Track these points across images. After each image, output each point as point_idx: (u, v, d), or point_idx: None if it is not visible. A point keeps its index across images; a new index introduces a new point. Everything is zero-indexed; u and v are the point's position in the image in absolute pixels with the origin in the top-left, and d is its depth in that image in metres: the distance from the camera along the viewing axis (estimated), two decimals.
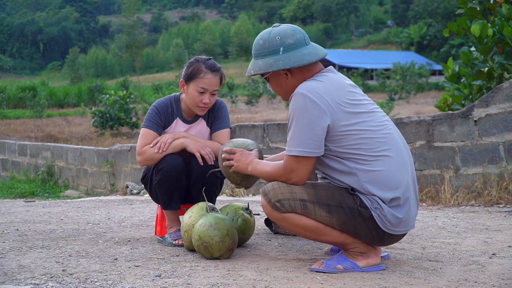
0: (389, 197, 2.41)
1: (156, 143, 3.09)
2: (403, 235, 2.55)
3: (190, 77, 3.09)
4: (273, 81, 2.60)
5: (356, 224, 2.44)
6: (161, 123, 3.18)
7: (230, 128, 3.29)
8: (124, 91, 20.22)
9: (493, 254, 2.81)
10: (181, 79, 3.16)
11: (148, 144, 3.11)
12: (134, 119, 19.49)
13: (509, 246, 2.97)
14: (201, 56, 3.17)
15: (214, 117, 3.25)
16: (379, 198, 2.41)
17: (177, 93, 3.28)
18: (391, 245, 3.03)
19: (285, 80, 2.57)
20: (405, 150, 2.53)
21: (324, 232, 2.48)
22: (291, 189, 2.47)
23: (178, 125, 3.21)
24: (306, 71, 2.56)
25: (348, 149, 2.43)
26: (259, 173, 2.60)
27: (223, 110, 3.26)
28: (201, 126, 3.24)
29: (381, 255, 2.68)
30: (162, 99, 3.26)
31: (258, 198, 5.24)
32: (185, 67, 3.16)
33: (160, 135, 3.18)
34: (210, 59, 3.15)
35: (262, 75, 2.62)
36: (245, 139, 2.84)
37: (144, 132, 3.15)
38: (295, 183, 2.48)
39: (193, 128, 3.21)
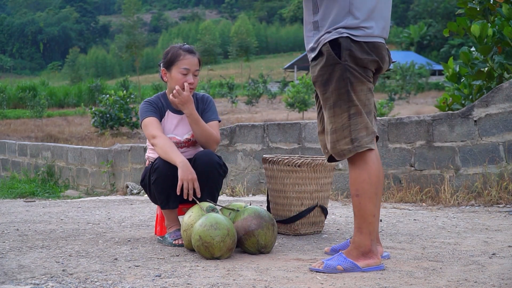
0: None
1: (181, 187, 2.96)
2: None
3: (170, 62, 3.17)
4: None
5: None
6: (157, 112, 3.22)
7: (219, 121, 3.34)
8: (124, 91, 20.27)
9: (493, 254, 2.81)
10: (162, 68, 3.23)
11: (157, 128, 3.11)
12: (134, 119, 19.50)
13: (509, 246, 2.97)
14: (175, 44, 3.27)
15: (204, 109, 3.30)
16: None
17: (163, 91, 3.35)
18: (391, 245, 3.04)
19: None
20: None
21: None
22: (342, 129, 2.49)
23: (169, 117, 3.25)
24: None
25: None
26: None
27: (211, 104, 3.34)
28: None
29: (381, 255, 2.68)
30: (150, 97, 3.33)
31: (259, 198, 5.24)
32: (163, 57, 3.24)
33: (160, 122, 3.20)
34: (185, 44, 3.25)
35: None
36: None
37: (148, 121, 3.15)
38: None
39: (184, 119, 3.24)
